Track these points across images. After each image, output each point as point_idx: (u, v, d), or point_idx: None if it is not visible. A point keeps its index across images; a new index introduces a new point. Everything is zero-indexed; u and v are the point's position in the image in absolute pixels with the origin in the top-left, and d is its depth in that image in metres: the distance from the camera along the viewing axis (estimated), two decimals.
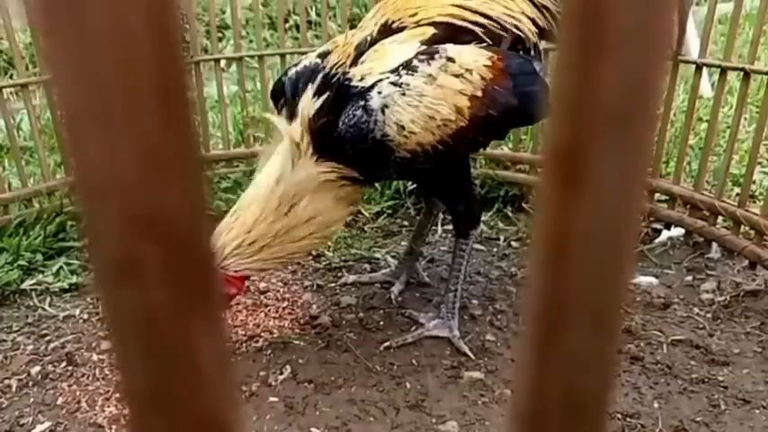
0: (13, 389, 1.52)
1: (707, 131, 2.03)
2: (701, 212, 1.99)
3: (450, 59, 1.40)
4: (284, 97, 1.55)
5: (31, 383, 1.54)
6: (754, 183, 2.07)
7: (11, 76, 3.53)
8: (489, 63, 1.42)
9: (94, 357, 1.62)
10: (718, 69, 1.92)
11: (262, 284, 1.91)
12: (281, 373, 1.55)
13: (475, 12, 1.52)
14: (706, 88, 2.72)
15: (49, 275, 1.96)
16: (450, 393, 1.48)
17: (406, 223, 2.30)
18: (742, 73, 1.86)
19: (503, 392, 1.47)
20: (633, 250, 0.25)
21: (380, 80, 1.40)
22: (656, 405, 1.42)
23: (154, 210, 0.22)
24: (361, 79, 1.42)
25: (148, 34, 0.20)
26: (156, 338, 0.24)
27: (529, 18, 1.56)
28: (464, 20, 1.50)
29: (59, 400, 1.48)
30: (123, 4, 0.19)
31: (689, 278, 1.88)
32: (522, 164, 2.39)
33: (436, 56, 1.40)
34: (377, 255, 2.09)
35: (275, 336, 1.68)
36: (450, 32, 1.48)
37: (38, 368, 1.59)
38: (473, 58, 1.42)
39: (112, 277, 0.24)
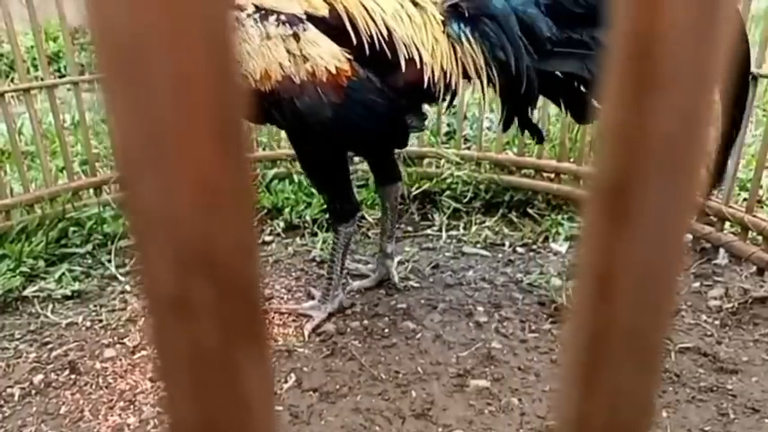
0: (16, 397, 1.51)
1: (713, 136, 2.01)
2: (708, 218, 1.98)
3: (296, 37, 1.42)
4: None
5: (33, 392, 1.53)
6: (761, 188, 2.05)
7: (12, 80, 3.53)
8: (334, 71, 1.43)
9: (97, 365, 1.60)
10: None
11: (266, 291, 1.89)
12: (286, 382, 1.54)
13: (374, 22, 1.48)
14: None
15: (52, 282, 1.95)
16: (457, 402, 1.47)
17: (410, 229, 2.29)
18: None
19: (509, 401, 1.46)
20: (678, 285, 0.25)
21: (245, 8, 1.42)
22: (664, 414, 1.40)
23: (207, 246, 0.22)
24: (243, 8, 1.44)
25: (207, 76, 0.20)
26: (205, 372, 0.24)
27: (440, 66, 1.50)
28: (360, 20, 1.47)
29: (62, 409, 1.47)
30: (184, 48, 0.19)
31: (696, 284, 1.87)
32: (526, 168, 2.38)
33: (289, 25, 1.43)
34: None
35: (279, 344, 1.67)
36: (339, 24, 1.46)
37: (40, 376, 1.57)
38: (325, 55, 1.44)
39: (164, 312, 0.24)
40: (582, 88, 1.54)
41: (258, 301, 0.24)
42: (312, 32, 1.44)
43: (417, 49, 1.49)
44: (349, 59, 1.45)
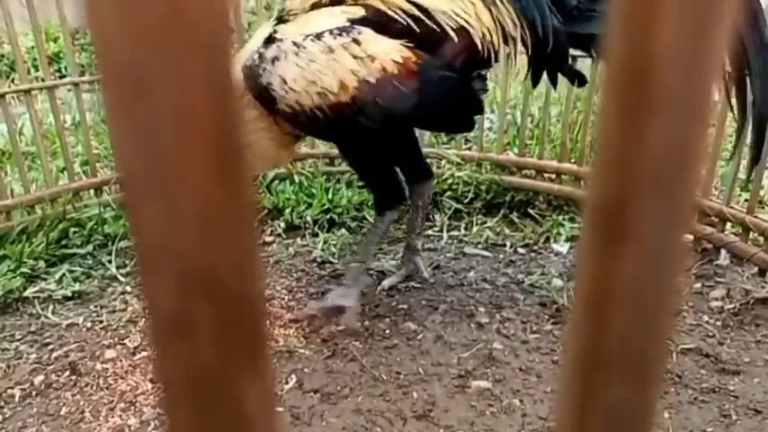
0: (16, 399, 1.51)
1: (714, 136, 2.01)
2: (710, 219, 1.98)
3: (357, 41, 1.48)
4: None
5: (34, 393, 1.52)
6: (762, 188, 2.05)
7: (12, 80, 3.53)
8: (400, 60, 1.49)
9: (98, 367, 1.60)
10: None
11: (267, 292, 1.89)
12: (287, 383, 1.53)
13: (414, 3, 1.53)
14: None
15: (52, 283, 1.94)
16: (458, 403, 1.47)
17: None
18: None
19: (511, 402, 1.46)
20: (675, 305, 0.25)
21: (288, 38, 1.50)
22: (666, 415, 1.40)
23: (209, 269, 0.23)
24: (282, 36, 1.52)
25: (208, 106, 0.20)
26: (207, 393, 0.25)
27: (485, 26, 1.57)
28: (396, 8, 1.53)
29: (63, 411, 1.47)
30: (185, 78, 0.20)
31: (698, 285, 1.87)
32: (527, 169, 2.38)
33: (345, 33, 1.49)
34: (382, 261, 2.08)
35: (280, 345, 1.66)
36: (381, 18, 1.52)
37: (41, 377, 1.57)
38: (385, 50, 1.49)
39: (166, 333, 0.24)
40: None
41: (260, 321, 0.24)
42: (367, 32, 1.49)
43: (461, 18, 1.55)
44: (408, 46, 1.50)
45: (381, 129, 1.56)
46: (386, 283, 1.92)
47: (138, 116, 0.20)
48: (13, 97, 2.49)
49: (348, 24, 1.51)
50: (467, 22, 1.54)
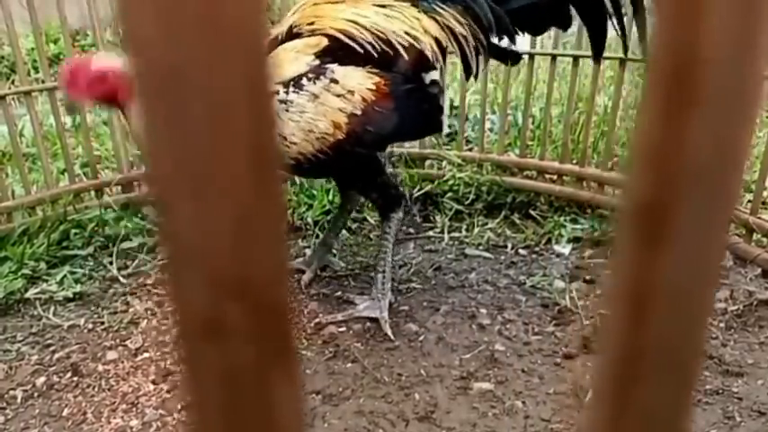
0: (19, 400, 1.51)
1: None
2: None
3: (335, 81, 1.56)
4: None
5: (36, 394, 1.52)
6: (766, 189, 2.05)
7: (12, 82, 3.52)
8: (373, 87, 1.58)
9: (100, 368, 1.60)
10: None
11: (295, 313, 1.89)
12: None
13: (367, 29, 1.62)
14: None
15: (53, 284, 1.94)
16: (460, 405, 1.46)
17: (411, 231, 2.28)
18: None
19: (513, 404, 1.45)
20: (712, 306, 0.24)
21: (278, 87, 1.55)
22: None
23: (241, 272, 0.22)
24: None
25: (244, 107, 0.20)
26: (237, 394, 0.24)
27: (432, 37, 1.66)
28: (352, 37, 1.61)
29: (65, 412, 1.46)
30: (221, 79, 0.20)
31: None
32: (529, 170, 2.38)
33: (322, 77, 1.56)
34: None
35: None
36: (341, 46, 1.60)
37: (43, 379, 1.57)
38: (358, 81, 1.58)
39: (197, 336, 0.24)
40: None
41: (289, 324, 0.24)
42: (339, 68, 1.58)
43: (410, 35, 1.65)
44: (374, 72, 1.60)
45: (374, 151, 1.69)
46: (305, 278, 1.96)
47: (174, 118, 0.20)
48: (13, 99, 2.48)
49: (318, 63, 1.58)
50: (415, 38, 1.64)
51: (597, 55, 1.83)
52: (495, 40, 1.74)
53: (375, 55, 1.61)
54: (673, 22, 0.20)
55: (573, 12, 1.76)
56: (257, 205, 0.22)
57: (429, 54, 1.65)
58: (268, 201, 0.22)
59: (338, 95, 1.56)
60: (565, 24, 1.81)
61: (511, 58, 1.89)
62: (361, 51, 1.60)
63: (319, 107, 1.55)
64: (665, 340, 0.24)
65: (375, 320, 1.76)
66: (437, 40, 1.66)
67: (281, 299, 0.24)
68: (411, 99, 1.64)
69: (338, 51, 1.59)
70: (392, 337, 1.69)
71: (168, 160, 0.21)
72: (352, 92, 1.57)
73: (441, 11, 1.68)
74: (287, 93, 1.54)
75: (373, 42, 1.61)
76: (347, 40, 1.60)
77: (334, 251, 2.10)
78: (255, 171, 0.21)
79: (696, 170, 0.21)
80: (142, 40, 0.19)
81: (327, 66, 1.58)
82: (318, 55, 1.59)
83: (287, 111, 1.54)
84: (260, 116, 0.20)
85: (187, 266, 0.22)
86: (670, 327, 0.24)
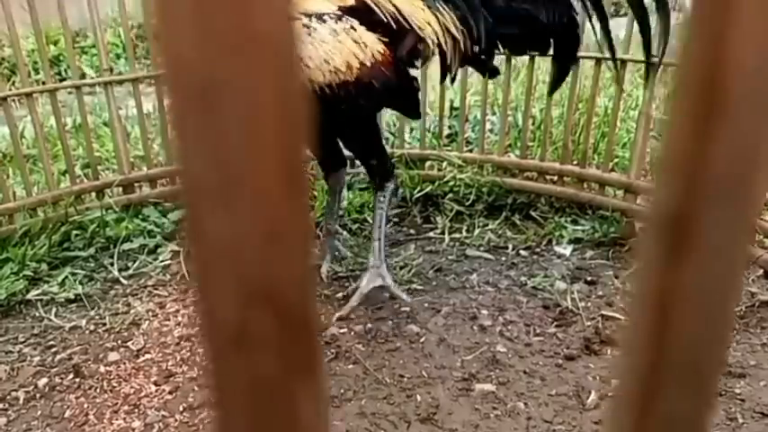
0: (21, 401, 1.51)
1: None
2: None
3: (353, 28, 1.63)
4: None
5: (38, 396, 1.52)
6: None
7: (13, 83, 3.52)
8: (382, 51, 1.66)
9: (101, 369, 1.60)
10: None
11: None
12: None
13: (389, 3, 1.72)
14: None
15: (55, 285, 1.94)
16: (462, 406, 1.46)
17: (412, 232, 2.28)
18: None
19: (515, 405, 1.46)
20: (733, 314, 0.25)
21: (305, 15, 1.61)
22: None
23: (269, 281, 0.23)
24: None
25: (277, 117, 0.20)
26: (263, 403, 0.25)
27: (432, 31, 1.76)
28: (376, 4, 1.69)
29: (67, 413, 1.46)
30: (256, 89, 0.20)
31: None
32: (529, 171, 2.38)
33: (343, 19, 1.63)
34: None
35: None
36: (363, 9, 1.68)
37: (45, 380, 1.57)
38: (371, 40, 1.66)
39: (225, 344, 0.24)
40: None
41: (315, 334, 0.24)
42: (357, 23, 1.65)
43: (417, 21, 1.74)
44: (383, 40, 1.67)
45: (371, 109, 1.78)
46: (323, 271, 2.01)
47: (207, 127, 0.20)
48: (14, 100, 2.48)
49: (340, 14, 1.65)
50: (419, 27, 1.73)
51: (558, 82, 2.01)
52: (476, 50, 1.85)
53: (389, 27, 1.69)
54: (701, 32, 0.20)
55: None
56: (285, 214, 0.22)
57: (429, 43, 1.74)
58: (296, 209, 0.22)
59: (355, 42, 1.62)
60: (544, 50, 1.94)
61: (490, 72, 2.02)
62: (377, 20, 1.69)
63: (337, 44, 1.60)
64: (688, 348, 0.24)
65: (378, 320, 1.76)
66: (435, 35, 1.75)
67: (308, 308, 0.24)
68: (407, 78, 1.75)
69: (359, 12, 1.68)
70: (406, 299, 1.80)
71: (200, 170, 0.21)
72: (365, 45, 1.64)
73: (442, 11, 1.76)
74: (310, 20, 1.60)
75: (389, 16, 1.69)
76: (371, 4, 1.68)
77: (338, 237, 2.14)
78: (284, 180, 0.21)
79: (722, 180, 0.21)
80: (177, 48, 0.19)
81: (346, 16, 1.65)
82: (342, 9, 1.66)
83: (308, 35, 1.58)
84: (290, 126, 0.21)
85: (215, 275, 0.22)
86: (694, 335, 0.24)
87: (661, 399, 0.25)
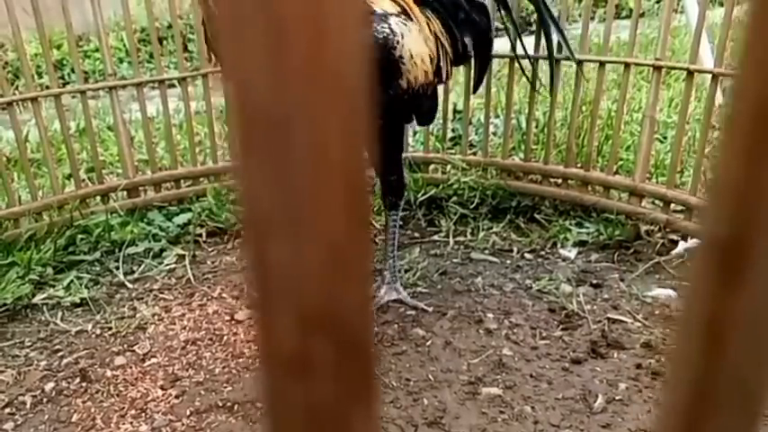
0: (28, 405, 1.51)
1: None
2: None
3: (420, 31, 1.67)
4: None
5: (45, 400, 1.52)
6: None
7: (17, 87, 3.53)
8: (429, 59, 1.69)
9: (108, 373, 1.60)
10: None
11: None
12: None
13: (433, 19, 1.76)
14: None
15: (60, 289, 1.94)
16: (469, 410, 1.46)
17: (417, 235, 2.28)
18: None
19: (522, 409, 1.46)
20: None
21: (391, 14, 1.61)
22: None
23: (330, 307, 0.23)
24: (374, 3, 1.63)
25: (342, 147, 0.21)
26: (318, 429, 0.25)
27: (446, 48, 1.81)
28: (425, 16, 1.72)
29: (74, 418, 1.47)
30: (324, 121, 0.20)
31: None
32: (533, 174, 2.38)
33: (413, 20, 1.65)
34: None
35: None
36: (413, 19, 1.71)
37: (52, 384, 1.57)
38: (427, 49, 1.70)
39: (284, 370, 0.24)
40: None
41: (372, 360, 0.25)
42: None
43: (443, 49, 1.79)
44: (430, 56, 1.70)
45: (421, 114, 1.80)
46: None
47: (274, 158, 0.20)
48: (18, 104, 2.48)
49: (402, 18, 1.65)
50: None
51: (477, 84, 2.09)
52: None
53: (446, 47, 1.75)
54: (757, 56, 0.20)
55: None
56: (348, 241, 0.22)
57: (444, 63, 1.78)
58: (358, 236, 0.22)
59: (425, 40, 1.67)
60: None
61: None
62: (431, 42, 1.72)
63: (422, 41, 1.64)
64: (738, 374, 0.24)
65: (384, 323, 1.76)
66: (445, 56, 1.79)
67: (367, 333, 0.24)
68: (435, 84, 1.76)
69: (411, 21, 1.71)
70: (427, 309, 1.83)
71: (267, 201, 0.21)
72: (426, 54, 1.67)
73: (439, 35, 1.79)
74: (400, 19, 1.61)
75: (433, 31, 1.74)
76: (425, 25, 1.71)
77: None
78: (348, 207, 0.22)
79: None
80: (248, 81, 0.19)
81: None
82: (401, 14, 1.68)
83: (410, 32, 1.60)
84: (355, 155, 0.21)
85: (278, 303, 0.23)
86: (744, 361, 0.24)
87: (709, 421, 0.25)
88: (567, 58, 2.18)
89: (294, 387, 0.24)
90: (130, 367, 1.63)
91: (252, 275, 0.23)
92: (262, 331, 0.23)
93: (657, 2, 5.43)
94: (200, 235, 2.25)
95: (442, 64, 1.78)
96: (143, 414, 1.47)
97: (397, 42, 1.57)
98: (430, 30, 1.73)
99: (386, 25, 1.57)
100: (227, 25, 0.18)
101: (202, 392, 1.53)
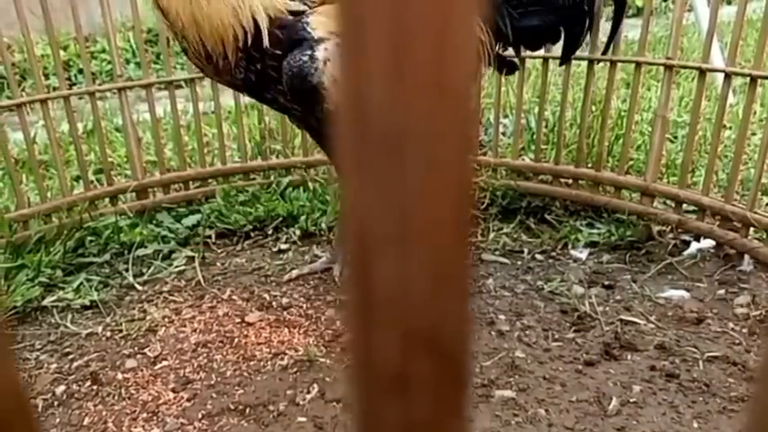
0: (39, 409, 1.50)
1: (736, 140, 2.00)
2: (733, 224, 1.96)
3: None
4: None
5: (56, 403, 1.52)
6: None
7: (24, 89, 3.53)
8: None
9: (119, 376, 1.60)
10: (748, 77, 1.89)
11: (284, 300, 1.89)
12: (309, 392, 1.52)
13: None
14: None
15: (70, 292, 1.94)
16: (482, 413, 1.45)
17: None
18: None
19: (536, 412, 1.44)
20: None
21: (328, 38, 1.62)
22: (695, 425, 1.39)
23: (434, 327, 0.22)
24: (314, 29, 1.64)
25: (456, 168, 0.21)
26: None
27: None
28: None
29: (86, 421, 1.46)
30: (439, 140, 0.20)
31: (721, 291, 1.84)
32: (543, 174, 2.36)
33: None
34: None
35: (300, 353, 1.65)
36: None
37: (62, 387, 1.57)
38: None
39: (381, 386, 0.24)
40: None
41: (470, 376, 0.24)
42: None
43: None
44: None
45: None
46: (336, 272, 2.02)
47: (386, 174, 0.20)
48: (26, 105, 2.48)
49: None
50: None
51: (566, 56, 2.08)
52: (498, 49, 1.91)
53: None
54: None
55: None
56: (454, 257, 0.22)
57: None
58: (462, 252, 0.22)
59: None
60: (555, 40, 2.03)
61: (508, 67, 2.05)
62: None
63: None
64: None
65: None
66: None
67: (464, 354, 0.24)
68: None
69: None
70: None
71: (376, 217, 0.21)
72: None
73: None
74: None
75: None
76: None
77: None
78: (457, 224, 0.21)
79: None
80: (368, 99, 0.18)
81: None
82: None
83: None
84: (467, 177, 0.21)
85: (381, 320, 0.22)
86: None
87: None
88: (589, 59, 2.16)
89: (391, 403, 0.24)
90: (141, 370, 1.62)
91: (354, 291, 0.22)
92: (360, 348, 0.23)
93: (664, 0, 5.40)
94: (210, 236, 2.25)
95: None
96: (155, 417, 1.47)
97: (315, 70, 1.59)
98: None
99: (308, 52, 1.59)
100: (348, 37, 0.18)
101: (214, 395, 1.52)
